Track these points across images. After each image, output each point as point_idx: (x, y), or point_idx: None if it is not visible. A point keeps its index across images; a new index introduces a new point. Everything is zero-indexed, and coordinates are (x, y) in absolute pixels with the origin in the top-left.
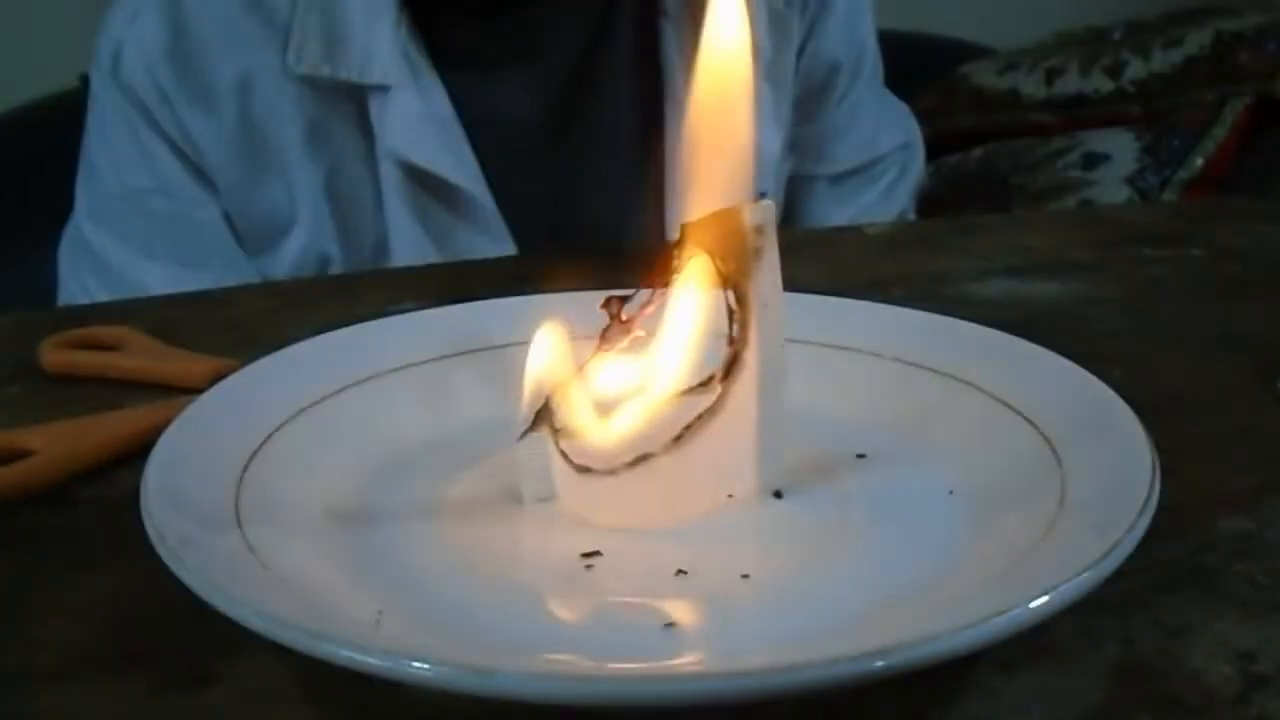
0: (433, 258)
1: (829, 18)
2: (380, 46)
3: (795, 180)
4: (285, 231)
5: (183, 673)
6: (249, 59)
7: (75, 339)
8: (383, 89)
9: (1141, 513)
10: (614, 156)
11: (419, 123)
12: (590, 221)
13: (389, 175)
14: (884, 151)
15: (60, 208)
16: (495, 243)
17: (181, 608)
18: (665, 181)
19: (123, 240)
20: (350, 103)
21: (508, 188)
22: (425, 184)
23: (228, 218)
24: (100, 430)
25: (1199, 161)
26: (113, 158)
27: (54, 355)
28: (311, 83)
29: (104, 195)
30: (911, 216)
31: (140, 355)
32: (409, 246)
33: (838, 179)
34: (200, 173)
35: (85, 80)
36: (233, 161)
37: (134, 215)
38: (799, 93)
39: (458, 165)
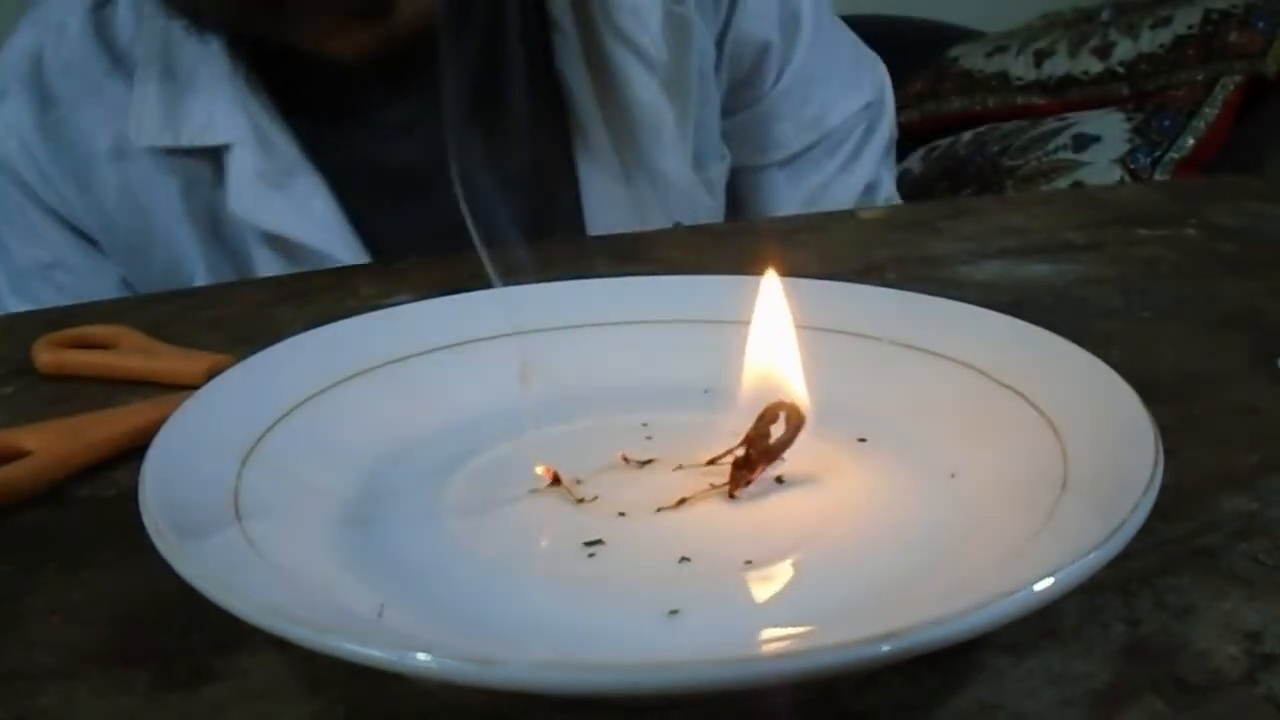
0: None
1: (750, 1)
2: (220, 105)
3: (743, 171)
4: (189, 283)
5: (182, 670)
6: (119, 124)
7: (69, 338)
8: (225, 149)
9: (1145, 493)
10: (516, 188)
11: (258, 182)
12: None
13: (251, 234)
14: (836, 124)
15: None
16: None
17: (180, 605)
18: (585, 225)
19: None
20: (206, 163)
21: (391, 234)
22: (283, 244)
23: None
24: (96, 429)
25: (1190, 141)
26: (16, 235)
27: (48, 355)
28: (165, 152)
29: (17, 270)
30: (886, 182)
31: (134, 353)
32: None
33: (788, 162)
34: (93, 243)
35: None
36: (119, 230)
37: (46, 288)
38: (729, 81)
39: (306, 223)
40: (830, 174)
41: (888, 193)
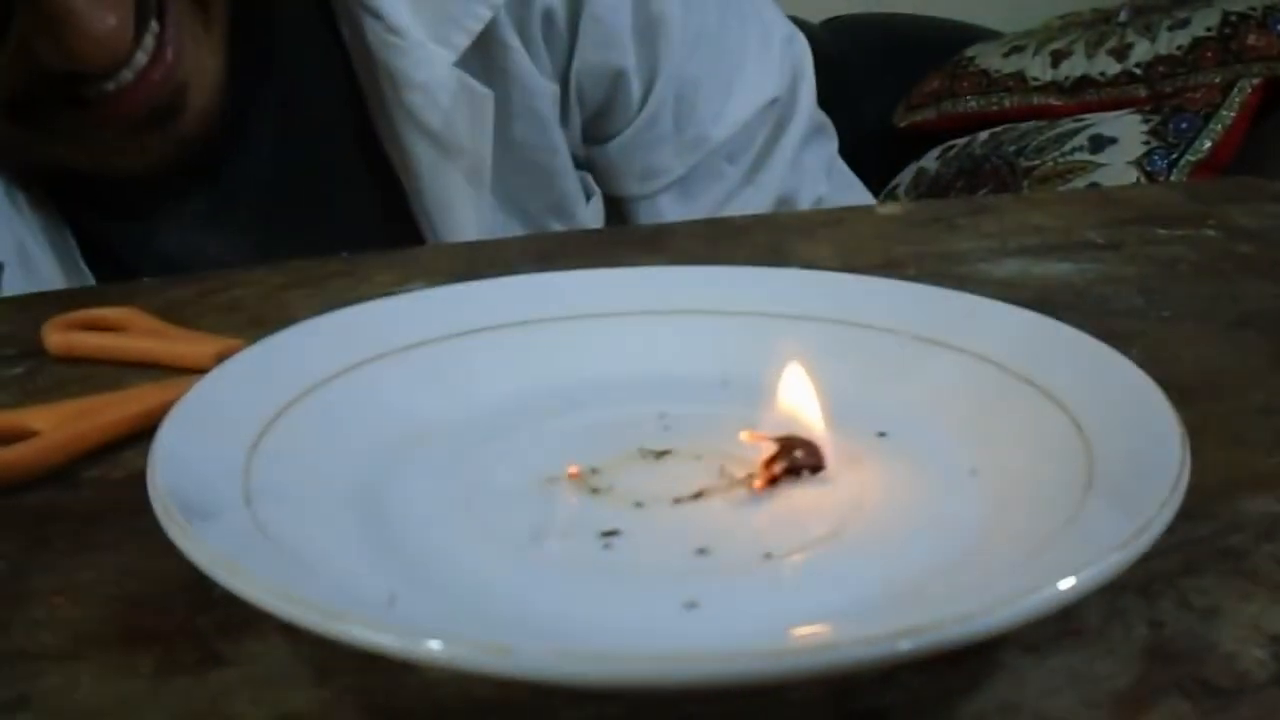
0: None
1: (591, 29)
2: None
3: (630, 201)
4: None
5: (188, 654)
6: None
7: (80, 320)
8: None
9: (1172, 492)
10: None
11: None
12: None
13: None
14: (727, 134)
15: None
16: None
17: (187, 589)
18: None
19: None
20: None
21: None
22: None
23: None
24: (105, 410)
25: (1207, 144)
26: None
27: (58, 336)
28: None
29: None
30: (811, 183)
31: (145, 336)
32: None
33: (676, 184)
34: None
35: None
36: None
37: None
38: (584, 114)
39: None
40: (732, 185)
41: (816, 195)
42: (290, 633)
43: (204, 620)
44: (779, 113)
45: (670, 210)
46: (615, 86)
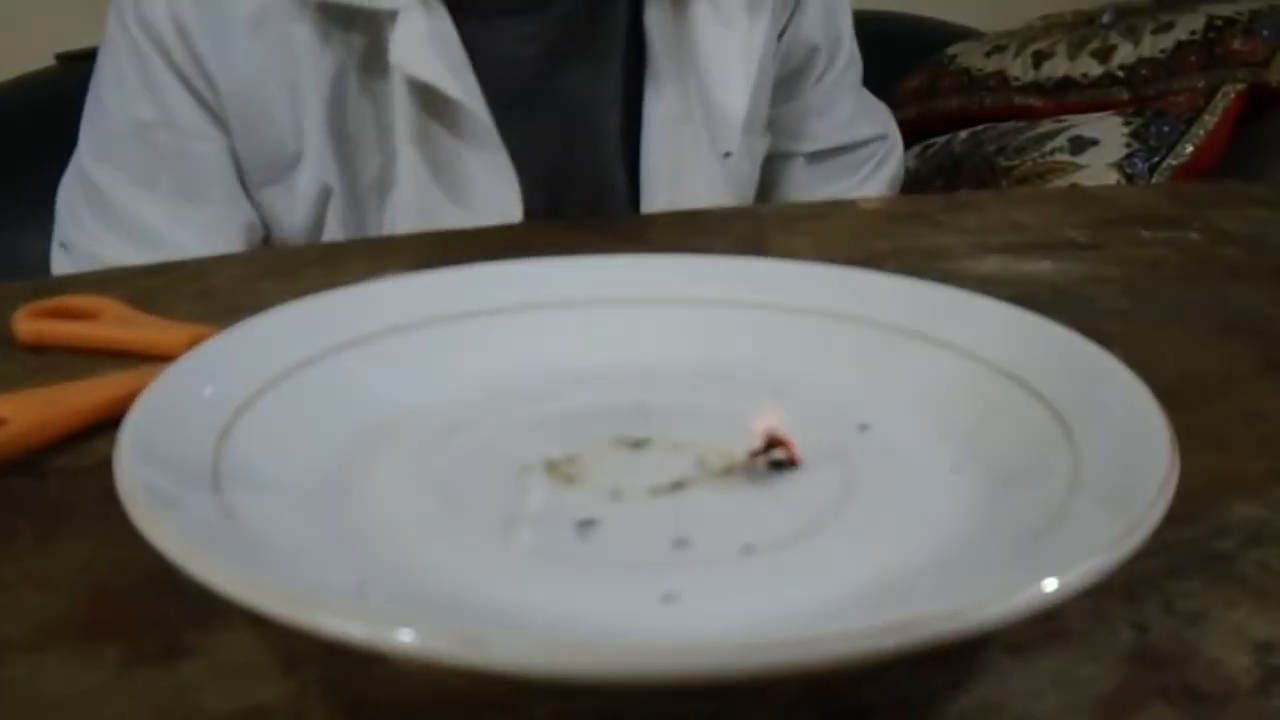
0: (435, 191)
1: (810, 3)
2: None
3: (774, 159)
4: (292, 166)
5: (154, 645)
6: None
7: (50, 308)
8: (392, 14)
9: (1161, 492)
10: (600, 115)
11: (426, 42)
12: (577, 170)
13: (397, 99)
14: (862, 137)
15: (34, 186)
16: (495, 172)
17: (154, 579)
18: (641, 151)
19: (125, 173)
20: (362, 32)
21: (508, 119)
22: (431, 109)
23: (235, 153)
24: (73, 398)
25: (1188, 148)
26: (122, 93)
27: (28, 324)
28: (325, 12)
29: (109, 130)
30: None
31: (115, 324)
32: (411, 176)
33: (816, 158)
34: (208, 107)
35: (62, 59)
36: (245, 97)
37: (138, 148)
38: (779, 74)
39: (461, 84)
40: (848, 187)
41: None
42: (259, 623)
43: (171, 610)
44: (884, 150)
45: (802, 181)
46: (807, 60)
